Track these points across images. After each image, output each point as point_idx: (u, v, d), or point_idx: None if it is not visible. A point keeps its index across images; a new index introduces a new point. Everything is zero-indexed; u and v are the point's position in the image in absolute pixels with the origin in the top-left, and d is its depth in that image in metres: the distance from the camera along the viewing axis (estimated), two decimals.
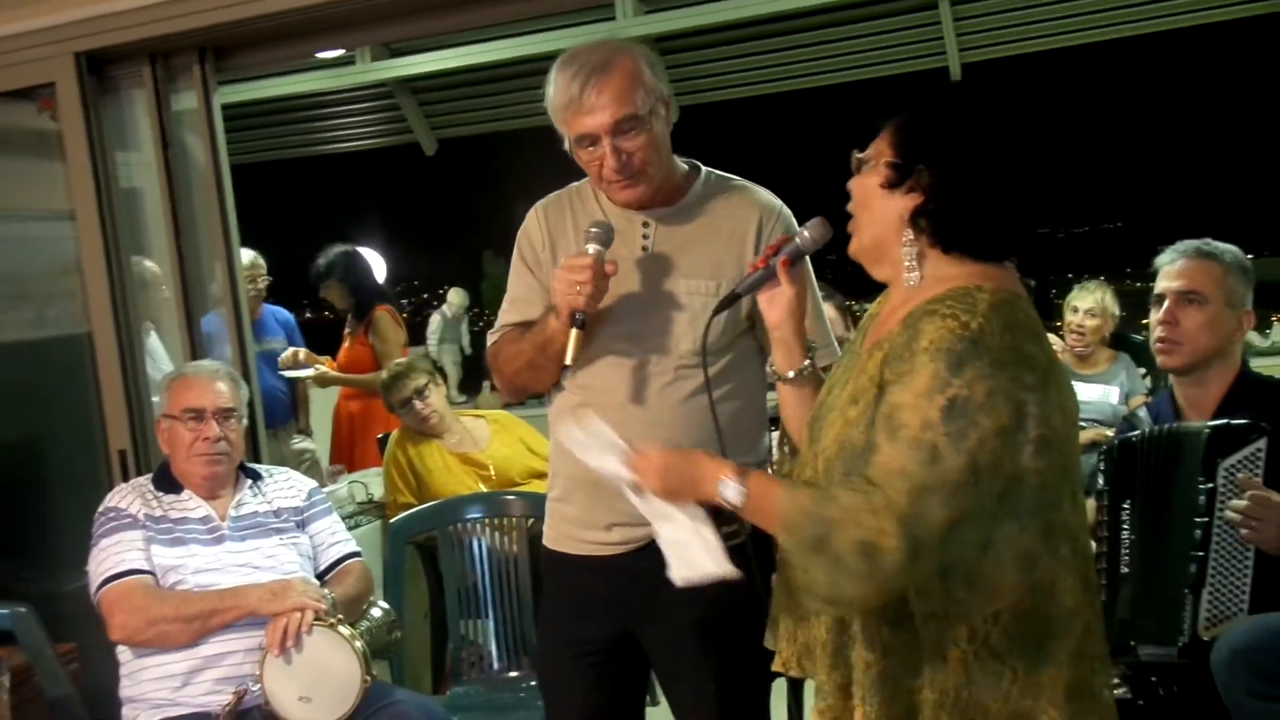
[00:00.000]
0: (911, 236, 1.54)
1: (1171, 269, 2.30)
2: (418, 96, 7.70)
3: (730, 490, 1.54)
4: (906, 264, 1.54)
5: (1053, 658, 1.47)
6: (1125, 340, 4.48)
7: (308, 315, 9.28)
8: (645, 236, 2.00)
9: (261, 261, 4.97)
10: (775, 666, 1.71)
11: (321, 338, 5.49)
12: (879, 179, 1.55)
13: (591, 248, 1.89)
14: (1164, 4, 6.35)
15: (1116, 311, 4.48)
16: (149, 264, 3.37)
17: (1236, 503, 2.05)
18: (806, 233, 1.71)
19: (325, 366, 4.82)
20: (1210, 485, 2.10)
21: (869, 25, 6.75)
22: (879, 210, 1.56)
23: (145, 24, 3.03)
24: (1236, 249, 2.32)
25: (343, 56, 6.83)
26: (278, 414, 4.98)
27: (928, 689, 1.47)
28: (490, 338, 2.16)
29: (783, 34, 6.84)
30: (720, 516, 1.86)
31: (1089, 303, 4.41)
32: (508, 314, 2.11)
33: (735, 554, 1.79)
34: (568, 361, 1.86)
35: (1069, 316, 4.46)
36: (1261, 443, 2.10)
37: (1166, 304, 2.28)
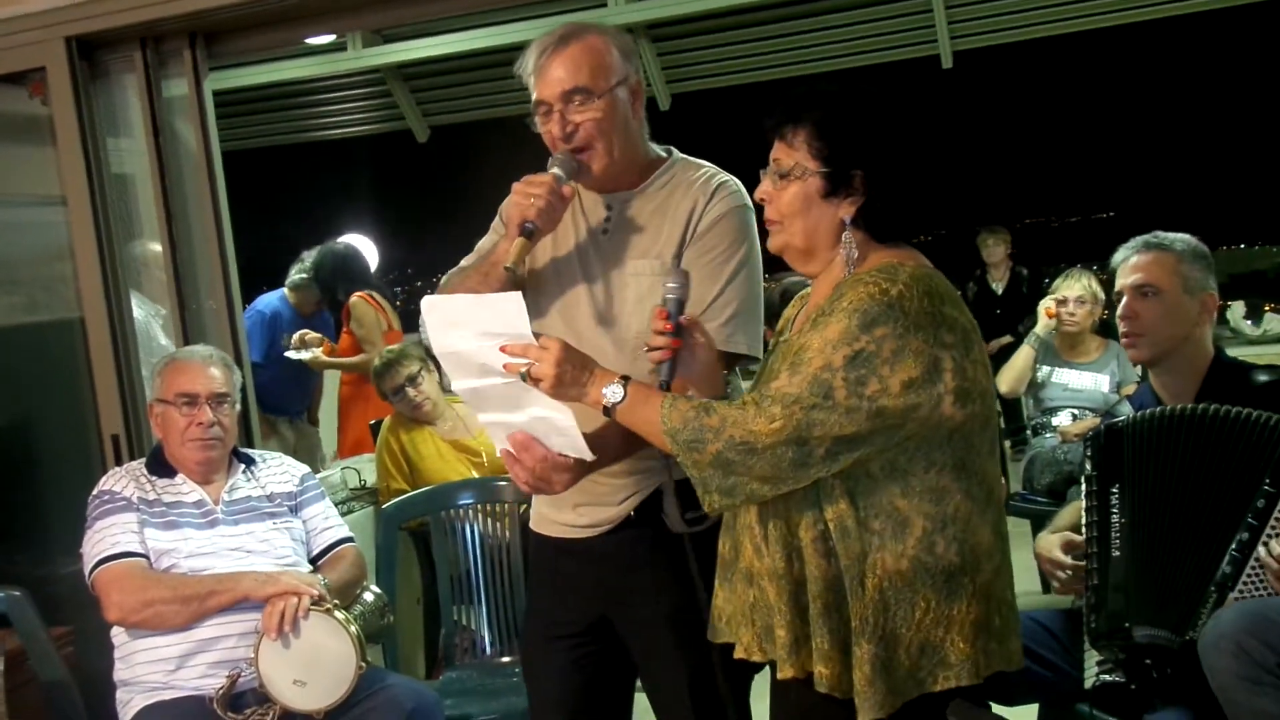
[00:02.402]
0: (851, 236, 1.67)
1: (1126, 266, 2.36)
2: (410, 83, 7.67)
3: (612, 391, 1.65)
4: (846, 258, 1.67)
5: (964, 592, 1.60)
6: (1113, 327, 4.44)
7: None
8: (607, 220, 2.02)
9: None
10: (737, 654, 1.74)
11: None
12: (815, 188, 1.67)
13: (554, 170, 1.92)
14: None
15: (1103, 295, 4.45)
16: (155, 247, 3.36)
17: (1269, 566, 1.95)
18: (674, 283, 1.73)
19: (320, 351, 4.84)
20: (1274, 490, 1.98)
21: (861, 13, 6.75)
22: (816, 216, 1.68)
23: (136, 8, 3.02)
24: (1188, 237, 2.35)
25: (334, 43, 6.80)
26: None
27: (853, 616, 1.59)
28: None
29: (774, 21, 6.84)
30: (688, 502, 1.88)
31: (1077, 290, 4.39)
32: (464, 260, 2.11)
33: (686, 541, 1.88)
34: (508, 264, 1.85)
35: (1057, 306, 4.44)
36: None
37: (1125, 299, 2.34)
